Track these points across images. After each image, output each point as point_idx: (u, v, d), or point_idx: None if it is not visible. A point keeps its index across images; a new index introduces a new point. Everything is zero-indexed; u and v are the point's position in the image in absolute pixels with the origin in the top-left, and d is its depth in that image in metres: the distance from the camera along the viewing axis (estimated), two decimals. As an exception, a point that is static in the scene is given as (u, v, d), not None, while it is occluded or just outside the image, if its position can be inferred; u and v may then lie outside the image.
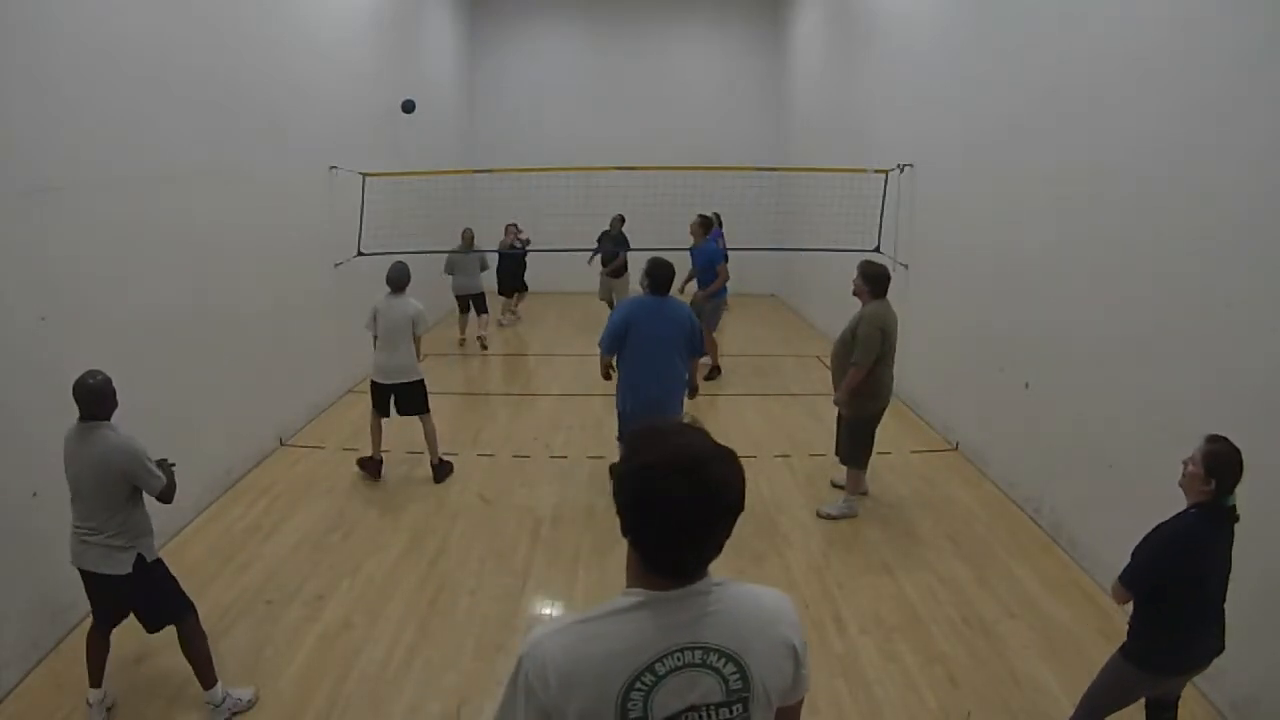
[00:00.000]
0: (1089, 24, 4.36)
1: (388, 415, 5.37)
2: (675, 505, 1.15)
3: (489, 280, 9.48)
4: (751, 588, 1.32)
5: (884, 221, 7.59)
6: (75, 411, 3.04)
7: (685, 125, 12.51)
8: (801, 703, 1.38)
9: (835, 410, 4.93)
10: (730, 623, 1.24)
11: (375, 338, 5.31)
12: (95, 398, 2.98)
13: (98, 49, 3.90)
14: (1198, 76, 3.50)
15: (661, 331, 4.59)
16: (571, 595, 4.07)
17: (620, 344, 4.63)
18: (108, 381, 3.03)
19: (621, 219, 9.91)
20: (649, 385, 4.59)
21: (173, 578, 3.19)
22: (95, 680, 3.11)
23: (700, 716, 1.22)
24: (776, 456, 5.89)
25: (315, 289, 6.74)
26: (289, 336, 6.13)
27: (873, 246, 7.70)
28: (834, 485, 5.29)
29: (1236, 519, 2.47)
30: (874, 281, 4.63)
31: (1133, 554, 2.51)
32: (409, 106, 8.52)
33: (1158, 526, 2.49)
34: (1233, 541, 2.49)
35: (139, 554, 3.05)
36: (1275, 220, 3.06)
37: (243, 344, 5.31)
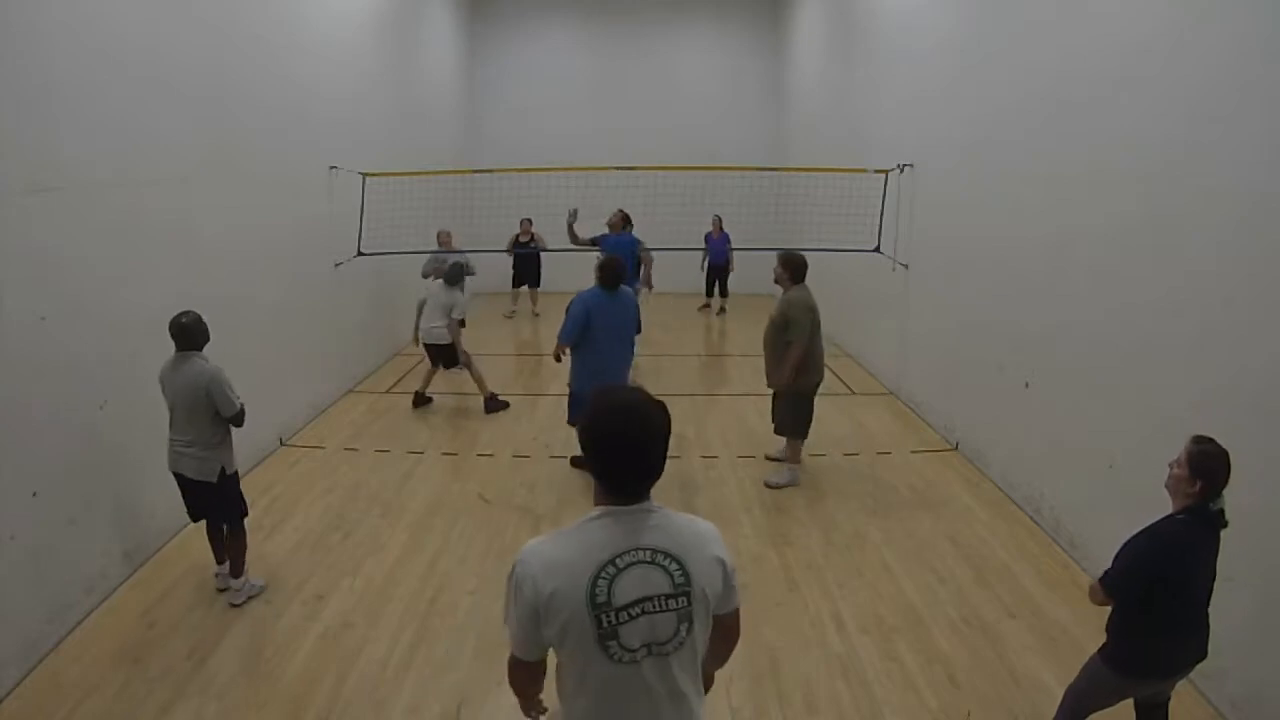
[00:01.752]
0: (1089, 23, 4.36)
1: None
2: (621, 433, 1.58)
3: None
4: (686, 516, 1.72)
5: (884, 221, 7.59)
6: (75, 409, 3.05)
7: (685, 125, 12.49)
8: (737, 616, 1.79)
9: (805, 401, 5.27)
10: (673, 534, 1.63)
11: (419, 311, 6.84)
12: (185, 333, 3.67)
13: (97, 49, 3.90)
14: (1198, 75, 3.50)
15: (616, 321, 5.24)
16: (571, 595, 4.06)
17: (581, 335, 5.16)
18: (198, 319, 3.71)
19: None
20: (608, 368, 5.13)
21: (239, 488, 3.93)
22: (219, 558, 3.95)
23: (654, 605, 1.57)
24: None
25: (315, 289, 6.74)
26: (289, 336, 6.13)
27: (872, 246, 7.71)
28: (769, 458, 5.71)
29: (1225, 524, 2.39)
30: (795, 269, 5.19)
31: (1116, 556, 2.46)
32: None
33: (1142, 530, 2.43)
34: (1219, 547, 2.43)
35: (221, 465, 3.76)
36: (1275, 220, 3.06)
37: (243, 344, 5.28)
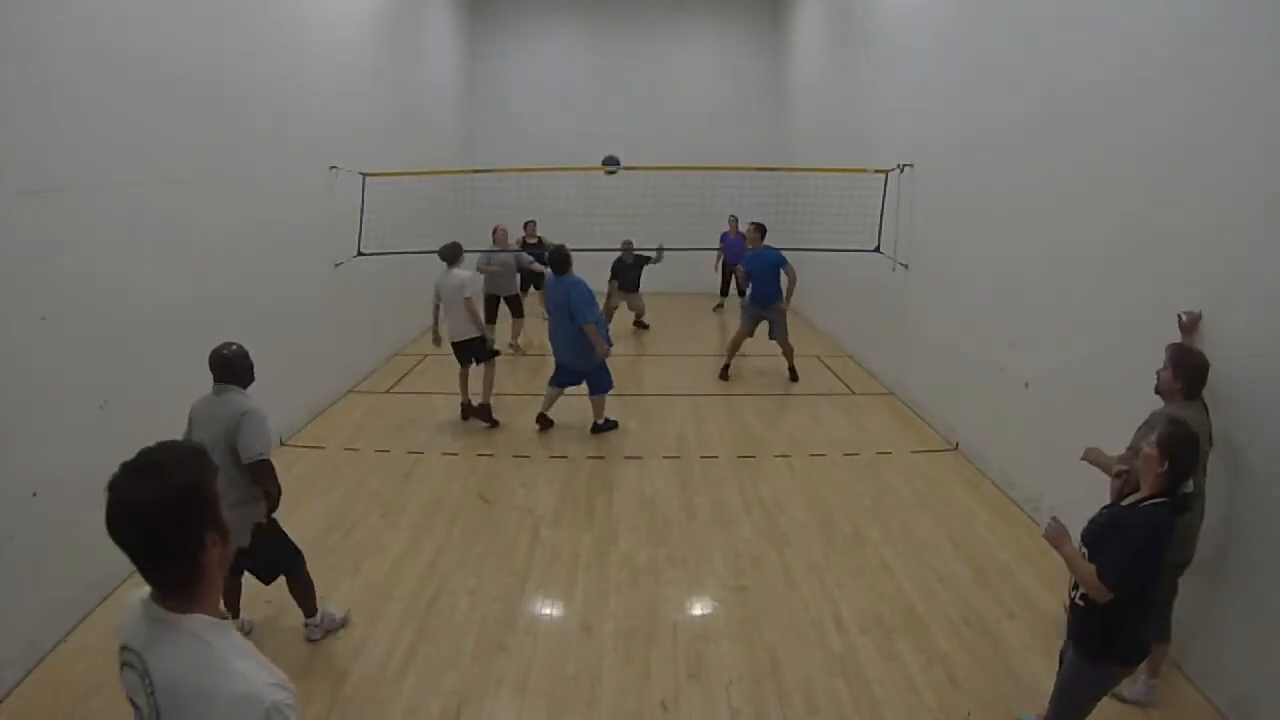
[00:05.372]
0: (1089, 23, 4.36)
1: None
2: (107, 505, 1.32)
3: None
4: (215, 653, 1.35)
5: (884, 221, 7.59)
6: (75, 409, 3.01)
7: (685, 125, 12.51)
8: None
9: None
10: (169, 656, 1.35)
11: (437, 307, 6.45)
12: (227, 365, 3.31)
13: (98, 49, 3.90)
14: (1198, 76, 3.50)
15: (556, 302, 6.01)
16: (571, 595, 4.07)
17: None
18: (243, 353, 3.38)
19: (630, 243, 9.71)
20: (557, 347, 6.21)
21: (281, 533, 3.50)
22: (234, 614, 3.57)
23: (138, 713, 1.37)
24: (776, 456, 5.89)
25: (315, 289, 6.74)
26: (289, 336, 6.13)
27: (873, 246, 7.71)
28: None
29: (1190, 507, 2.47)
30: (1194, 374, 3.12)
31: (1110, 551, 2.45)
32: (612, 163, 8.69)
33: (1136, 522, 2.44)
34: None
35: (254, 521, 3.30)
36: (1276, 220, 3.06)
37: (243, 344, 5.30)
